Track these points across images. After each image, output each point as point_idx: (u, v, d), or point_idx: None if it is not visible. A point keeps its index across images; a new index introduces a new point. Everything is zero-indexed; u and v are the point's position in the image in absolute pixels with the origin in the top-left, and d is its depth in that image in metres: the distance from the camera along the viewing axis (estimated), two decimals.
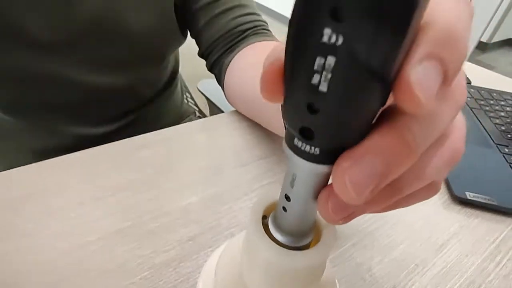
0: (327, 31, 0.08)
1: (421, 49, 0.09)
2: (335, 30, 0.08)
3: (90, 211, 0.28)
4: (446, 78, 0.09)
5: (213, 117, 0.43)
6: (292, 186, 0.13)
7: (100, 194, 0.30)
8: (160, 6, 0.41)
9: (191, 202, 0.31)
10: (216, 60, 0.44)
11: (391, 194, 0.12)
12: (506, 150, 0.43)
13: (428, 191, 0.14)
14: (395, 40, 0.08)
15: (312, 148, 0.11)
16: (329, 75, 0.09)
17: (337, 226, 0.31)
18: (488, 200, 0.34)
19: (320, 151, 0.11)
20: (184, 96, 0.72)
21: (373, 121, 0.11)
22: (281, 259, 0.14)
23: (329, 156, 0.11)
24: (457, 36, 0.09)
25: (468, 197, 0.34)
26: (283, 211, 0.14)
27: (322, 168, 0.11)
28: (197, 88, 0.90)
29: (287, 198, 0.14)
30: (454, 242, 0.30)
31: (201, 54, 0.46)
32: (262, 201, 0.17)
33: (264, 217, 0.16)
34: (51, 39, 0.36)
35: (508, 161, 0.41)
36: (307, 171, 0.12)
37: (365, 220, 0.30)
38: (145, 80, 0.49)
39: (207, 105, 0.91)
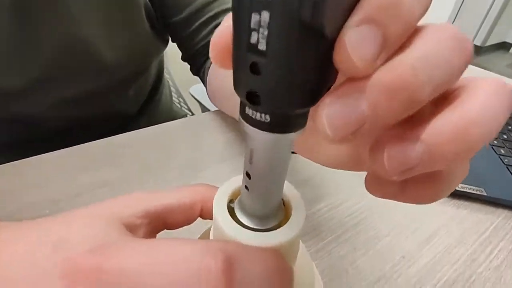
0: None
1: (360, 12, 0.08)
2: None
3: (64, 207, 0.28)
4: (386, 42, 0.09)
5: (195, 116, 0.43)
6: (251, 162, 0.12)
7: (77, 191, 0.29)
8: (133, 27, 0.39)
9: None
10: (200, 66, 0.44)
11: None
12: (495, 142, 0.43)
13: (432, 185, 0.11)
14: None
15: (262, 115, 0.10)
16: (266, 32, 0.08)
17: (318, 221, 0.31)
18: (477, 191, 0.34)
19: (270, 118, 0.10)
20: (175, 100, 0.71)
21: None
22: (246, 242, 0.13)
23: (281, 123, 0.10)
24: (399, 1, 0.09)
25: (457, 188, 0.34)
26: (245, 190, 0.14)
27: (275, 137, 0.11)
28: (190, 93, 0.90)
29: (248, 175, 0.13)
30: (442, 233, 0.30)
31: (184, 59, 0.46)
32: (230, 185, 0.16)
33: (232, 201, 0.16)
34: (21, 86, 0.34)
35: (497, 152, 0.41)
36: (262, 142, 0.11)
37: (349, 214, 0.30)
38: (126, 97, 0.47)
39: (200, 109, 0.91)
